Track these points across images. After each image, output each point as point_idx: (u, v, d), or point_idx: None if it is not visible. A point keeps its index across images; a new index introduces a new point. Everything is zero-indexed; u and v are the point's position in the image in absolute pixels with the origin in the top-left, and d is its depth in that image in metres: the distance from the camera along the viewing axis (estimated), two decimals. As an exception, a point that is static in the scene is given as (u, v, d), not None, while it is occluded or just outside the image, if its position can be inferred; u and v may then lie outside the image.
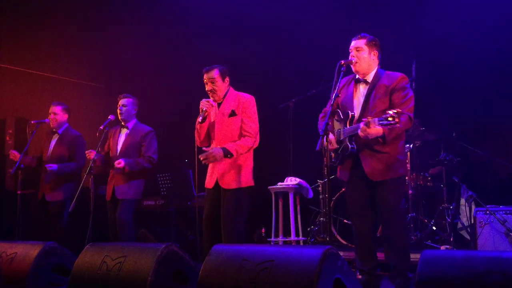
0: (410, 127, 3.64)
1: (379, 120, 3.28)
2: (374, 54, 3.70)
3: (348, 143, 3.61)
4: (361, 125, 3.39)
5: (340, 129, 3.73)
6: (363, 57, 3.67)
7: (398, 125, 3.23)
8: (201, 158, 3.95)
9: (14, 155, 5.36)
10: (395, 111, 3.20)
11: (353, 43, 3.74)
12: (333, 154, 3.80)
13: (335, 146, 3.73)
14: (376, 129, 3.38)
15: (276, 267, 2.52)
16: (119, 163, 4.88)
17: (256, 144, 4.10)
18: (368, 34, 3.75)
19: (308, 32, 6.79)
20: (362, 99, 3.69)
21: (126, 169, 4.93)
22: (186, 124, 5.05)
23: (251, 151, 4.13)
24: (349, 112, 3.68)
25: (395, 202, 3.61)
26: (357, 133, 3.48)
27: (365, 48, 3.68)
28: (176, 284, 3.01)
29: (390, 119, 3.20)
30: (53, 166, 5.34)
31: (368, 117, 3.38)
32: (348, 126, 3.65)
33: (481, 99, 5.97)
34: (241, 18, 7.03)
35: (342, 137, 3.68)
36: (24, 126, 6.59)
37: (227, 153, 3.96)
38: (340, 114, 3.75)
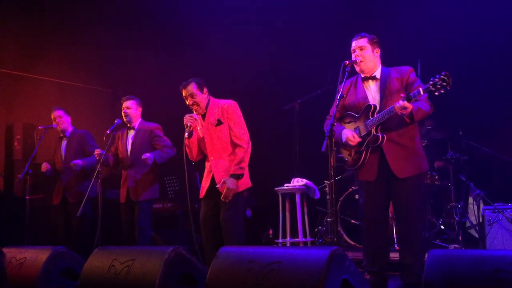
0: (430, 113, 3.62)
1: (423, 89, 3.34)
2: (377, 52, 3.74)
3: (378, 133, 3.56)
4: (400, 102, 3.38)
5: (359, 126, 3.69)
6: (368, 55, 3.70)
7: (448, 87, 3.32)
8: (222, 199, 3.98)
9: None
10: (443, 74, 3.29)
11: (354, 43, 3.75)
12: (349, 157, 3.73)
13: (355, 142, 3.65)
14: (410, 105, 3.39)
15: (283, 268, 2.52)
16: (149, 159, 4.82)
17: (249, 149, 4.10)
18: (372, 34, 3.76)
19: (312, 33, 6.79)
20: (377, 95, 3.68)
21: (158, 162, 4.92)
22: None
23: None
24: (371, 104, 3.63)
25: (417, 200, 3.59)
26: (385, 118, 3.49)
27: (368, 46, 3.71)
28: (184, 287, 3.02)
29: (438, 81, 3.28)
30: (78, 161, 5.34)
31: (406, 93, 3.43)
32: (371, 118, 3.61)
33: (487, 97, 5.94)
34: (245, 20, 7.05)
35: (368, 129, 3.60)
36: (31, 131, 6.63)
37: (238, 177, 3.98)
38: (354, 114, 3.73)
